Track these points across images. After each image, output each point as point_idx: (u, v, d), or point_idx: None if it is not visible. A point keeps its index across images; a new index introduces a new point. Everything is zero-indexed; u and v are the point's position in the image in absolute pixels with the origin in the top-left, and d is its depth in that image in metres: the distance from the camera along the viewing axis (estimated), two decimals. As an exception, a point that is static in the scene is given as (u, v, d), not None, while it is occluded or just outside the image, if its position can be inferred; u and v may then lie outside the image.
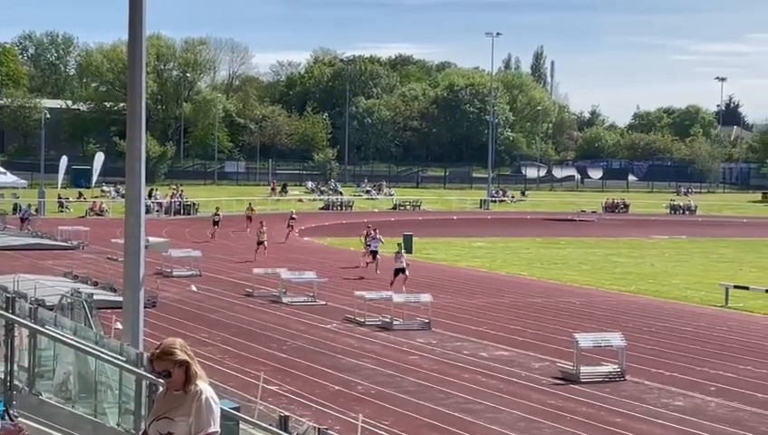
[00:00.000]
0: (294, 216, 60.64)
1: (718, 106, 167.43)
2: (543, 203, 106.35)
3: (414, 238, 54.42)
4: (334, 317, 30.51)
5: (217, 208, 57.50)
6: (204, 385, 6.83)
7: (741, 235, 74.33)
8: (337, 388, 21.03)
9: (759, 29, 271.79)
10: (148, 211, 73.92)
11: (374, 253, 43.45)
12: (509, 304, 35.31)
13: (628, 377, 22.64)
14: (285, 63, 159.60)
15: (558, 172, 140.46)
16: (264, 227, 48.55)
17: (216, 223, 58.15)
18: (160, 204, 79.72)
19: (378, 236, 44.33)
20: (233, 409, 14.08)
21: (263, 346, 25.51)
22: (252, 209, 62.74)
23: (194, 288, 36.08)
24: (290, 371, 22.51)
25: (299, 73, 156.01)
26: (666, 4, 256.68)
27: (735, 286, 37.54)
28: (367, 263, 43.91)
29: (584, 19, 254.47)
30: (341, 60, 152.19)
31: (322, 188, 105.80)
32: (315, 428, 12.75)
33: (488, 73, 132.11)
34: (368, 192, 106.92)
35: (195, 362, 6.84)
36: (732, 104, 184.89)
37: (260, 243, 47.63)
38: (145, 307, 29.13)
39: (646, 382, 22.44)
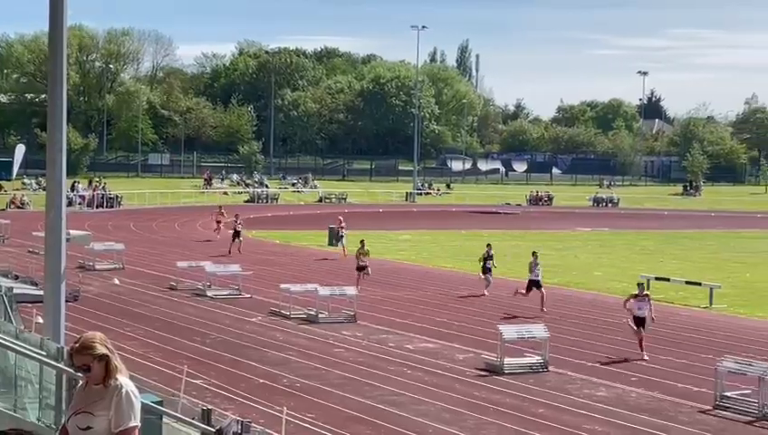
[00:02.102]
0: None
1: (640, 100, 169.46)
2: (469, 196, 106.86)
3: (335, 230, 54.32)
4: (259, 310, 30.40)
5: (237, 216, 49.09)
6: (124, 379, 6.75)
7: (662, 227, 75.36)
8: (262, 381, 20.96)
9: (680, 24, 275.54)
10: (70, 204, 73.26)
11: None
12: (435, 296, 35.43)
13: (551, 368, 22.85)
14: (210, 55, 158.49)
15: (483, 165, 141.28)
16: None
17: (236, 233, 48.19)
18: (83, 197, 78.69)
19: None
20: (156, 403, 13.96)
21: (187, 340, 25.33)
22: (222, 214, 54.72)
23: (117, 282, 35.70)
24: (214, 364, 22.38)
25: (224, 65, 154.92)
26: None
27: (656, 278, 38.05)
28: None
29: (509, 13, 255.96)
30: (267, 52, 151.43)
31: (247, 181, 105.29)
32: (238, 421, 12.66)
33: (414, 66, 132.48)
34: (293, 185, 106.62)
35: (115, 356, 6.76)
36: (653, 98, 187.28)
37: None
38: (67, 301, 28.73)
39: (569, 373, 22.67)
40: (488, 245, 37.04)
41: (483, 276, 35.81)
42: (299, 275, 38.10)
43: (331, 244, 52.87)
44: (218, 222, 53.95)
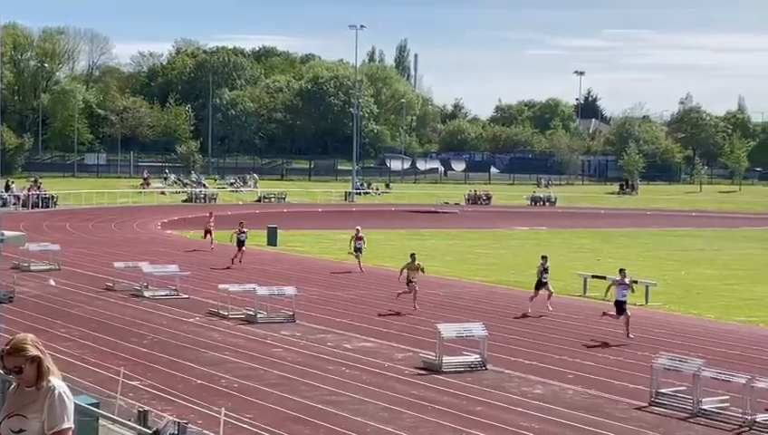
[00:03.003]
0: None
1: (577, 100, 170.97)
2: (407, 195, 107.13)
3: (279, 231, 54.26)
4: (197, 311, 30.21)
5: (241, 224, 43.93)
6: (56, 381, 6.68)
7: (599, 226, 76.08)
8: (200, 382, 20.84)
9: (616, 24, 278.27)
10: (4, 204, 72.53)
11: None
12: (373, 295, 35.45)
13: (489, 366, 22.96)
14: (147, 54, 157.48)
15: (422, 164, 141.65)
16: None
17: (240, 242, 42.95)
18: (17, 197, 77.68)
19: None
20: (92, 405, 13.86)
21: (123, 341, 25.11)
22: (212, 222, 49.82)
23: (52, 282, 35.30)
24: (152, 365, 22.21)
25: (161, 64, 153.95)
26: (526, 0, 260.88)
27: (593, 276, 38.37)
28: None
29: (447, 13, 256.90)
30: (204, 51, 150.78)
31: (185, 181, 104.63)
32: (175, 422, 12.60)
33: (352, 66, 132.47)
34: (232, 184, 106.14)
35: (47, 358, 6.68)
36: (590, 98, 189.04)
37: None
38: (1, 302, 28.48)
39: (506, 371, 22.80)
40: (544, 257, 32.83)
41: (534, 292, 32.21)
42: (237, 276, 37.92)
43: (270, 244, 52.71)
44: (208, 231, 49.15)
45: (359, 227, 43.33)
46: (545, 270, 32.44)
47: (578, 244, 59.90)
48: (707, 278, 43.40)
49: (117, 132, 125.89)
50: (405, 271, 32.28)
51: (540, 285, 32.27)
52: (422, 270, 32.52)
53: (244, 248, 42.73)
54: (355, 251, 42.02)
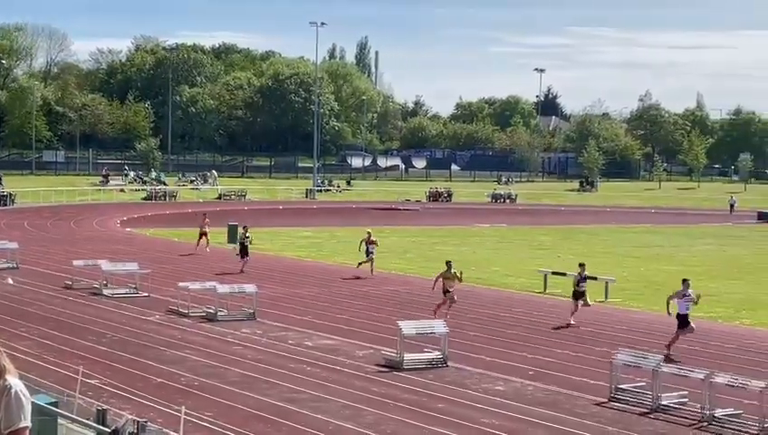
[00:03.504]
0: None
1: (537, 97, 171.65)
2: (368, 192, 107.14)
3: (239, 229, 54.00)
4: (157, 309, 30.05)
5: (245, 228, 41.50)
6: (13, 380, 6.61)
7: (559, 222, 76.43)
8: (160, 380, 20.72)
9: (576, 22, 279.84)
10: (-39, 202, 71.85)
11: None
12: (335, 293, 35.42)
13: (450, 363, 22.98)
14: (106, 51, 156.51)
15: (383, 162, 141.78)
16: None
17: (243, 247, 40.62)
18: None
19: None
20: (50, 404, 13.74)
21: (83, 340, 24.93)
22: (208, 224, 47.80)
23: (11, 281, 34.98)
24: (111, 364, 22.06)
25: (120, 61, 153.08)
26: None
27: (553, 273, 38.53)
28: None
29: (408, 11, 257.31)
30: (164, 48, 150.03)
31: (145, 178, 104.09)
32: (134, 421, 12.51)
33: (313, 63, 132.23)
34: (192, 182, 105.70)
35: (3, 357, 6.61)
36: (550, 95, 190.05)
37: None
38: (-42, 302, 28.16)
39: (467, 368, 22.83)
40: (582, 265, 30.56)
41: (573, 302, 29.88)
42: (198, 274, 37.76)
43: (231, 241, 52.50)
44: (203, 234, 47.00)
45: (370, 231, 41.24)
46: (583, 279, 29.95)
47: (538, 241, 60.13)
48: (666, 274, 43.65)
49: (76, 130, 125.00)
50: (440, 280, 29.56)
51: (577, 294, 29.58)
52: (459, 279, 29.61)
53: (247, 258, 40.12)
54: (366, 255, 39.59)
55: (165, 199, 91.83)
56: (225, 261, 42.43)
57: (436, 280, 29.87)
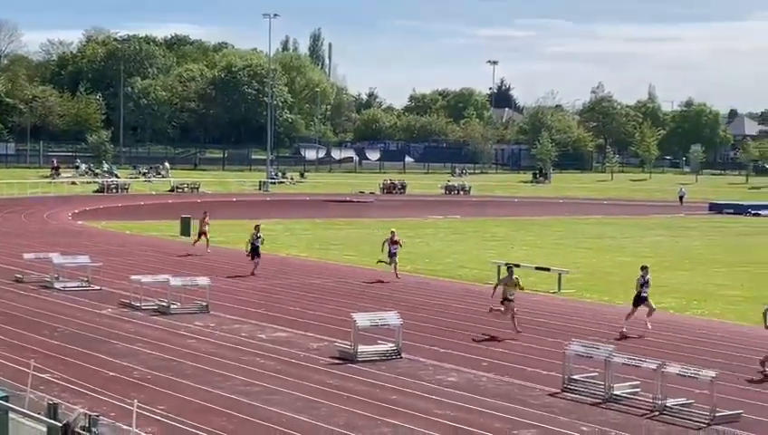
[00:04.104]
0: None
1: (490, 89, 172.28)
2: (322, 184, 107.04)
3: (192, 221, 53.74)
4: (110, 302, 29.84)
5: (257, 228, 38.40)
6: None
7: (512, 214, 76.74)
8: (112, 374, 20.58)
9: (528, 14, 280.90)
10: None
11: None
12: (289, 285, 35.34)
13: (404, 355, 23.01)
14: (57, 42, 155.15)
15: (336, 154, 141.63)
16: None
17: (255, 247, 37.66)
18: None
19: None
20: (1, 398, 13.61)
21: (34, 333, 24.70)
22: (207, 222, 44.56)
23: (-40, 275, 34.60)
24: (63, 358, 21.88)
25: (71, 53, 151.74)
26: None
27: (507, 264, 38.58)
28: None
29: (361, 2, 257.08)
30: (115, 39, 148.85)
31: (96, 171, 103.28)
32: (86, 415, 12.41)
33: (266, 55, 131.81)
34: (144, 174, 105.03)
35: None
36: (503, 87, 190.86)
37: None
38: None
39: (421, 360, 22.87)
40: (644, 267, 27.76)
41: (632, 309, 27.53)
42: (150, 266, 37.53)
43: (184, 234, 52.23)
44: (203, 233, 44.07)
45: (394, 230, 38.61)
46: (646, 283, 27.52)
47: (492, 232, 60.34)
48: (618, 265, 43.99)
49: (26, 122, 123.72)
50: (499, 287, 27.19)
51: (639, 300, 27.36)
52: (520, 287, 27.18)
53: (258, 259, 37.48)
54: (389, 257, 36.76)
55: (117, 192, 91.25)
56: (233, 262, 42.06)
57: (496, 287, 27.44)
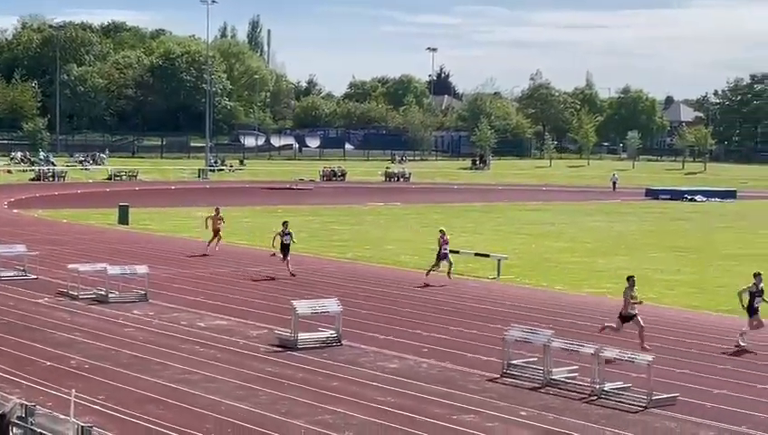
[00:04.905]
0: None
1: (430, 76, 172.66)
2: (262, 172, 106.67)
3: (131, 209, 53.38)
4: (47, 291, 29.51)
5: (285, 224, 34.83)
6: None
7: (452, 201, 77.02)
8: (49, 364, 20.37)
9: (465, 1, 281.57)
10: None
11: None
12: (228, 273, 35.18)
13: (344, 342, 23.03)
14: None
15: (276, 141, 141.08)
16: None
17: (284, 245, 34.35)
18: None
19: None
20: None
21: (-31, 324, 24.38)
22: (221, 218, 41.05)
23: None
24: (-2, 348, 21.63)
25: (6, 39, 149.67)
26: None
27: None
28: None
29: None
30: (51, 26, 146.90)
31: (32, 159, 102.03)
32: (23, 405, 12.28)
33: (204, 41, 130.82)
34: (81, 162, 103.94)
35: None
36: (443, 74, 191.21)
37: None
38: None
39: (362, 346, 22.89)
40: (757, 274, 24.18)
41: (749, 320, 24.15)
42: (89, 255, 37.16)
43: (122, 222, 51.81)
44: (217, 230, 40.52)
45: (443, 229, 34.83)
46: (759, 292, 24.02)
47: (432, 219, 60.46)
48: (557, 251, 44.33)
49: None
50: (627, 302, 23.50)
51: (753, 310, 24.24)
52: (639, 301, 23.64)
53: (289, 257, 34.34)
54: (440, 259, 33.50)
55: (53, 180, 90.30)
56: (174, 251, 41.64)
57: (626, 299, 23.42)
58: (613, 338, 23.49)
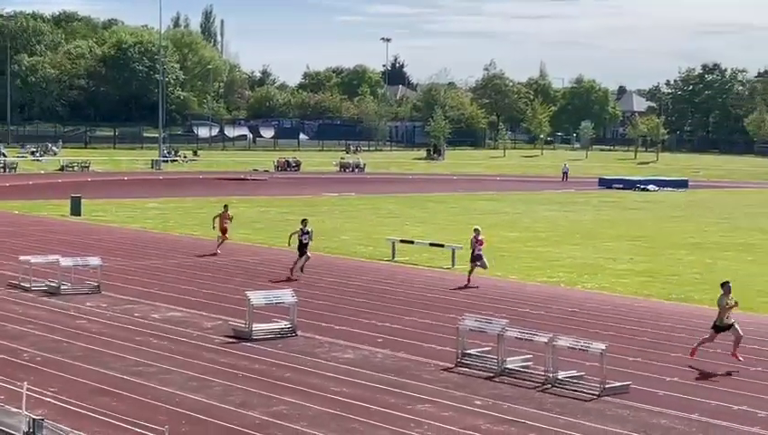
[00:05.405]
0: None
1: (384, 66, 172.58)
2: (216, 163, 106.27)
3: (83, 200, 52.98)
4: (-2, 284, 29.24)
5: (304, 222, 33.01)
6: None
7: (407, 191, 77.12)
8: (1, 356, 20.17)
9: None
10: None
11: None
12: (182, 264, 35.02)
13: (299, 333, 22.98)
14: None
15: (230, 131, 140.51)
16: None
17: (302, 245, 32.42)
18: None
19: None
20: None
21: None
22: (230, 217, 38.91)
23: None
24: (-51, 341, 21.39)
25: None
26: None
27: (401, 241, 38.91)
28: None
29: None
30: (1, 16, 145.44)
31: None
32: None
33: (157, 31, 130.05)
34: (33, 153, 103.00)
35: None
36: (397, 64, 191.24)
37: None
38: None
39: (316, 337, 22.86)
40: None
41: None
42: (41, 247, 36.83)
43: (74, 214, 51.43)
44: (224, 231, 38.35)
45: (478, 227, 32.50)
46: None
47: (386, 209, 60.54)
48: (511, 241, 44.51)
49: None
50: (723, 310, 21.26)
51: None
52: (735, 303, 21.50)
53: (309, 254, 32.55)
54: (474, 261, 31.65)
55: (4, 171, 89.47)
56: (127, 242, 41.41)
57: (722, 308, 21.26)
58: (566, 327, 23.64)
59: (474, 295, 29.59)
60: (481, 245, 31.54)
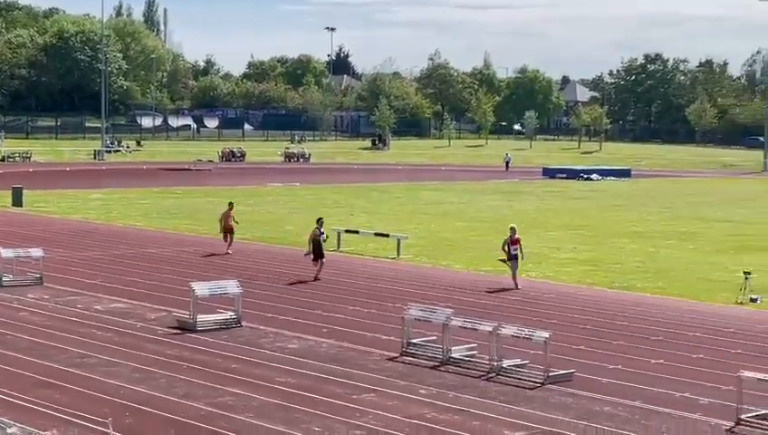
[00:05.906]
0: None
1: (329, 56, 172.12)
2: (160, 153, 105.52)
3: (25, 191, 52.43)
4: (-63, 276, 28.83)
5: (320, 222, 31.15)
6: None
7: (352, 181, 77.05)
8: (-59, 350, 19.95)
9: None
10: None
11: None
12: (126, 255, 34.78)
13: (244, 323, 22.94)
14: None
15: (174, 121, 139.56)
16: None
17: (317, 246, 30.65)
18: None
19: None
20: None
21: None
22: (234, 218, 36.60)
23: None
24: None
25: None
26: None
27: (347, 231, 38.91)
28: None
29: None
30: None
31: None
32: None
33: (99, 20, 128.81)
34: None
35: None
36: (342, 54, 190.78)
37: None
38: None
39: (261, 328, 22.83)
40: None
41: None
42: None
43: (16, 204, 50.87)
44: (229, 231, 36.22)
45: (514, 226, 30.31)
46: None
47: (332, 199, 60.48)
48: (456, 230, 44.67)
49: None
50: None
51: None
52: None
53: (323, 260, 30.75)
54: (510, 260, 29.54)
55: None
56: (69, 234, 40.94)
57: None
58: (510, 316, 23.79)
59: (418, 285, 29.66)
60: (516, 244, 29.28)
